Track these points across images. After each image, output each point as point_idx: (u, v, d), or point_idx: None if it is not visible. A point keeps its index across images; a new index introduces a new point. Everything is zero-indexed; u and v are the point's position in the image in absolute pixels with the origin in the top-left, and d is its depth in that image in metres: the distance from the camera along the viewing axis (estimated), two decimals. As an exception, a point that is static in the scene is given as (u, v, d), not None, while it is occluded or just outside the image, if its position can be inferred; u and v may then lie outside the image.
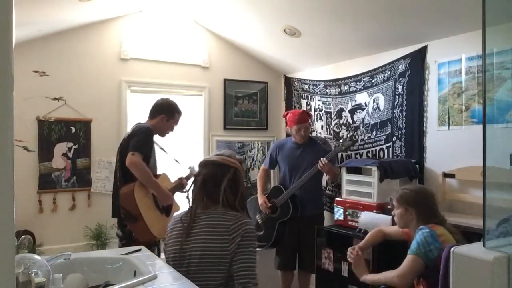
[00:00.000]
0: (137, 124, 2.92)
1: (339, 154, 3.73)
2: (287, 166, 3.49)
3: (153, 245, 2.70)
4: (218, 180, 1.87)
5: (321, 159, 3.23)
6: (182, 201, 3.00)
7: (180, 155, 3.37)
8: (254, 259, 1.77)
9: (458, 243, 1.97)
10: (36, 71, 2.75)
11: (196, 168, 3.09)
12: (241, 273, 1.73)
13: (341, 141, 3.71)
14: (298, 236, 3.40)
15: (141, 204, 2.64)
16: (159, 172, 2.98)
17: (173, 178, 3.06)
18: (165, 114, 2.95)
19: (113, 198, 2.86)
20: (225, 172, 1.89)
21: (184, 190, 3.00)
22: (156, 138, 2.98)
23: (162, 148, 3.10)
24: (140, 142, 2.71)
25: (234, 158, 1.95)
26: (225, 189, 1.86)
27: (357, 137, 3.58)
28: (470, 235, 2.19)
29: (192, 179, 3.04)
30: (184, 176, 3.09)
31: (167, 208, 2.86)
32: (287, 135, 3.61)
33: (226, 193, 1.86)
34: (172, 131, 3.05)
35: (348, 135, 3.68)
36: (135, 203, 2.62)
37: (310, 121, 3.56)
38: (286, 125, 3.59)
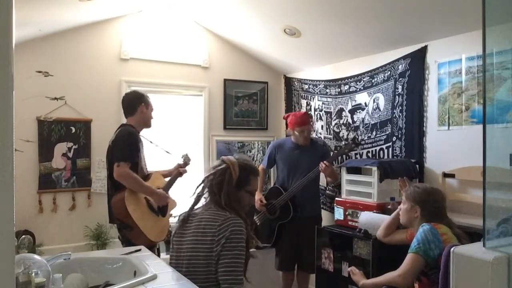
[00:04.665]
0: (120, 126, 2.86)
1: (339, 155, 3.73)
2: (286, 166, 3.48)
3: (153, 246, 2.67)
4: (210, 178, 1.89)
5: (323, 161, 3.23)
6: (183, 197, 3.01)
7: (178, 151, 3.37)
8: (240, 263, 1.69)
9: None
10: (39, 71, 2.74)
11: (190, 156, 3.18)
12: (223, 277, 1.66)
13: (343, 143, 3.70)
14: (297, 237, 3.40)
15: (134, 213, 2.59)
16: (150, 167, 2.94)
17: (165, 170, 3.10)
18: (143, 102, 2.86)
19: (108, 205, 2.80)
20: (218, 168, 1.89)
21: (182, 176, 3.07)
22: (144, 132, 2.91)
23: (151, 142, 3.05)
24: (123, 151, 2.64)
25: (236, 158, 1.92)
26: (210, 182, 1.87)
27: (359, 139, 3.56)
28: (470, 235, 2.19)
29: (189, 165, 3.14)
30: (181, 162, 3.12)
31: (163, 208, 2.82)
32: (287, 136, 3.61)
33: (212, 187, 1.86)
34: (152, 118, 2.94)
35: (349, 136, 3.67)
36: (128, 213, 2.57)
37: (311, 122, 3.56)
38: (287, 127, 3.58)
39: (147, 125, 2.91)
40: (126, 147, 2.67)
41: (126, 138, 2.70)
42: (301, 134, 3.40)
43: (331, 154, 3.52)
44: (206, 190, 1.91)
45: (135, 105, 2.84)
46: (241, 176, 1.86)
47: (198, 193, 1.94)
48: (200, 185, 1.93)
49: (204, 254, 1.71)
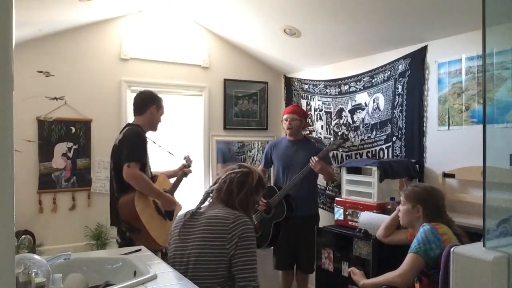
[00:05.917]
0: (126, 126, 2.82)
1: (339, 154, 3.73)
2: (280, 164, 3.49)
3: (157, 250, 2.62)
4: (232, 176, 1.96)
5: (312, 157, 3.23)
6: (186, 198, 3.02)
7: (179, 152, 3.38)
8: (255, 260, 1.77)
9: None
10: (40, 71, 2.74)
11: (192, 157, 3.22)
12: (241, 275, 1.74)
13: (331, 139, 3.72)
14: (294, 236, 3.39)
15: (143, 215, 2.55)
16: (152, 166, 2.92)
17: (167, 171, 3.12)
18: (155, 104, 2.82)
19: (111, 207, 2.76)
20: (239, 170, 1.98)
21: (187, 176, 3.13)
22: (148, 133, 2.88)
23: (154, 142, 3.03)
24: (133, 151, 2.59)
25: (256, 169, 2.08)
26: (231, 180, 1.93)
27: (347, 135, 3.59)
28: (470, 235, 2.19)
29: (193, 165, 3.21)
30: (185, 163, 3.15)
31: (170, 212, 2.80)
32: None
33: (232, 184, 1.92)
34: (161, 122, 2.92)
35: (350, 136, 3.68)
36: (137, 215, 2.52)
37: (305, 119, 3.55)
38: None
39: (154, 128, 2.87)
40: (135, 147, 2.62)
41: (136, 138, 2.65)
42: (285, 123, 3.48)
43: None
44: (214, 189, 1.97)
45: (146, 105, 2.80)
46: (257, 184, 1.98)
47: (207, 191, 2.00)
48: (220, 178, 1.98)
49: (215, 251, 1.75)
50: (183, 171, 3.07)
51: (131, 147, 2.60)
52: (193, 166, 3.27)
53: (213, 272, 1.74)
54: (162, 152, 3.22)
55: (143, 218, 2.54)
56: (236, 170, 1.97)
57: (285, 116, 3.50)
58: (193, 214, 1.92)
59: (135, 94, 2.97)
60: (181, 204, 2.98)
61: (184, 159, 3.18)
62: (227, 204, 1.90)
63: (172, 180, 3.06)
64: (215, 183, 2.00)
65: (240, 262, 1.74)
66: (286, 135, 3.64)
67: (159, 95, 2.93)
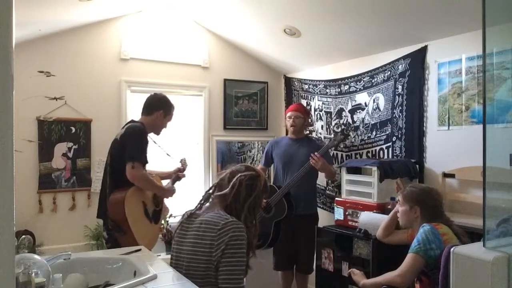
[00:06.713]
0: (130, 122, 2.80)
1: (339, 154, 3.73)
2: (280, 162, 3.49)
3: None
4: (241, 178, 1.83)
5: (313, 153, 3.23)
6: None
7: (178, 153, 3.37)
8: (241, 270, 1.67)
9: (463, 244, 1.95)
10: (41, 71, 2.74)
11: (188, 161, 3.21)
12: (224, 285, 1.65)
13: (332, 135, 3.72)
14: (292, 235, 3.39)
15: (130, 217, 2.52)
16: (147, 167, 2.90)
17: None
18: (163, 109, 2.80)
19: (100, 200, 2.73)
20: (247, 172, 1.86)
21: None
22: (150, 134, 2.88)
23: (155, 142, 2.99)
24: (136, 149, 2.56)
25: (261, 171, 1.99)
26: (240, 182, 1.81)
27: (347, 130, 3.60)
28: (470, 235, 2.19)
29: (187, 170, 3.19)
30: (180, 167, 3.14)
31: (156, 215, 2.78)
32: (287, 133, 3.63)
33: (241, 187, 1.81)
34: (166, 128, 2.90)
35: (341, 130, 3.69)
36: (124, 216, 2.50)
37: (307, 116, 3.56)
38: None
39: (156, 132, 2.86)
40: (139, 145, 2.60)
41: (140, 136, 2.63)
42: (288, 121, 3.50)
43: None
44: (218, 191, 1.88)
45: (154, 108, 2.78)
46: (262, 188, 1.89)
47: (208, 192, 1.92)
48: (225, 179, 1.87)
49: (203, 257, 1.69)
50: (177, 175, 3.06)
51: (134, 144, 2.58)
52: (191, 168, 3.27)
53: (203, 279, 1.68)
54: (158, 151, 3.19)
55: (130, 220, 2.52)
56: (245, 173, 1.84)
57: (288, 114, 3.51)
58: (190, 216, 1.85)
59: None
60: (168, 208, 3.01)
61: (180, 162, 3.17)
62: (231, 207, 1.80)
63: (165, 182, 3.05)
64: (218, 184, 1.90)
65: (224, 272, 1.64)
66: (286, 134, 3.64)
67: (173, 104, 2.89)
